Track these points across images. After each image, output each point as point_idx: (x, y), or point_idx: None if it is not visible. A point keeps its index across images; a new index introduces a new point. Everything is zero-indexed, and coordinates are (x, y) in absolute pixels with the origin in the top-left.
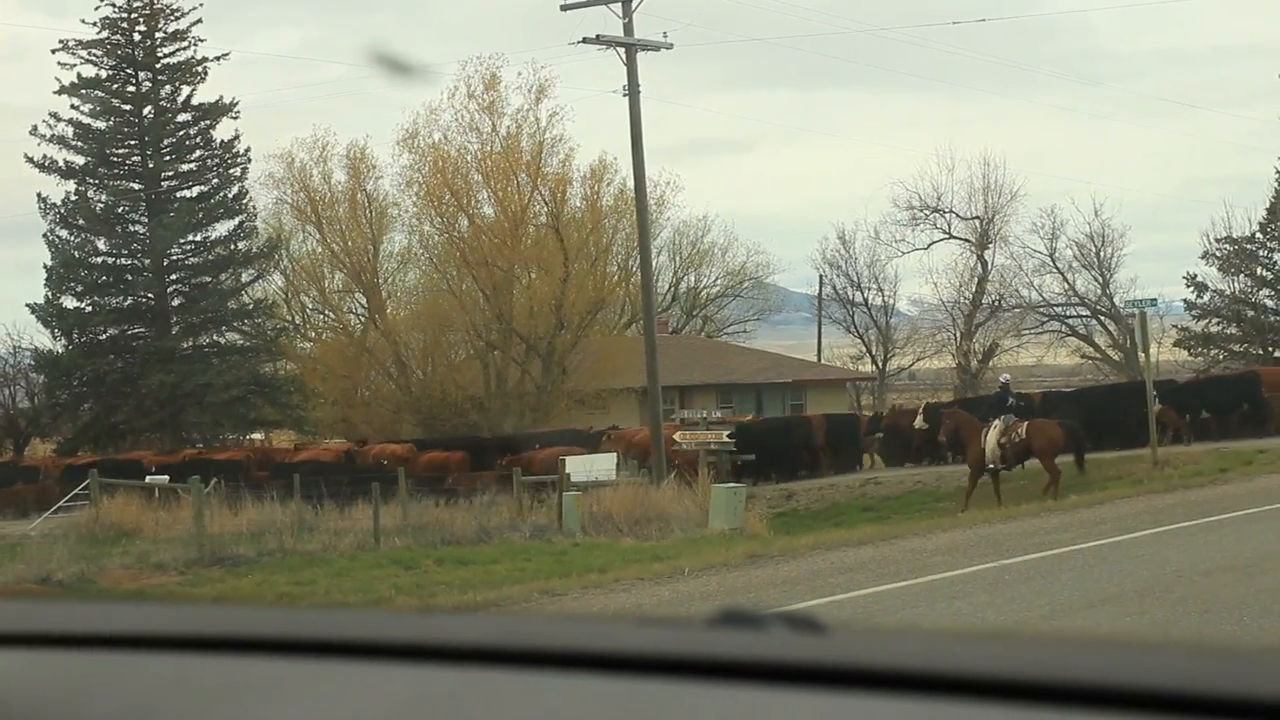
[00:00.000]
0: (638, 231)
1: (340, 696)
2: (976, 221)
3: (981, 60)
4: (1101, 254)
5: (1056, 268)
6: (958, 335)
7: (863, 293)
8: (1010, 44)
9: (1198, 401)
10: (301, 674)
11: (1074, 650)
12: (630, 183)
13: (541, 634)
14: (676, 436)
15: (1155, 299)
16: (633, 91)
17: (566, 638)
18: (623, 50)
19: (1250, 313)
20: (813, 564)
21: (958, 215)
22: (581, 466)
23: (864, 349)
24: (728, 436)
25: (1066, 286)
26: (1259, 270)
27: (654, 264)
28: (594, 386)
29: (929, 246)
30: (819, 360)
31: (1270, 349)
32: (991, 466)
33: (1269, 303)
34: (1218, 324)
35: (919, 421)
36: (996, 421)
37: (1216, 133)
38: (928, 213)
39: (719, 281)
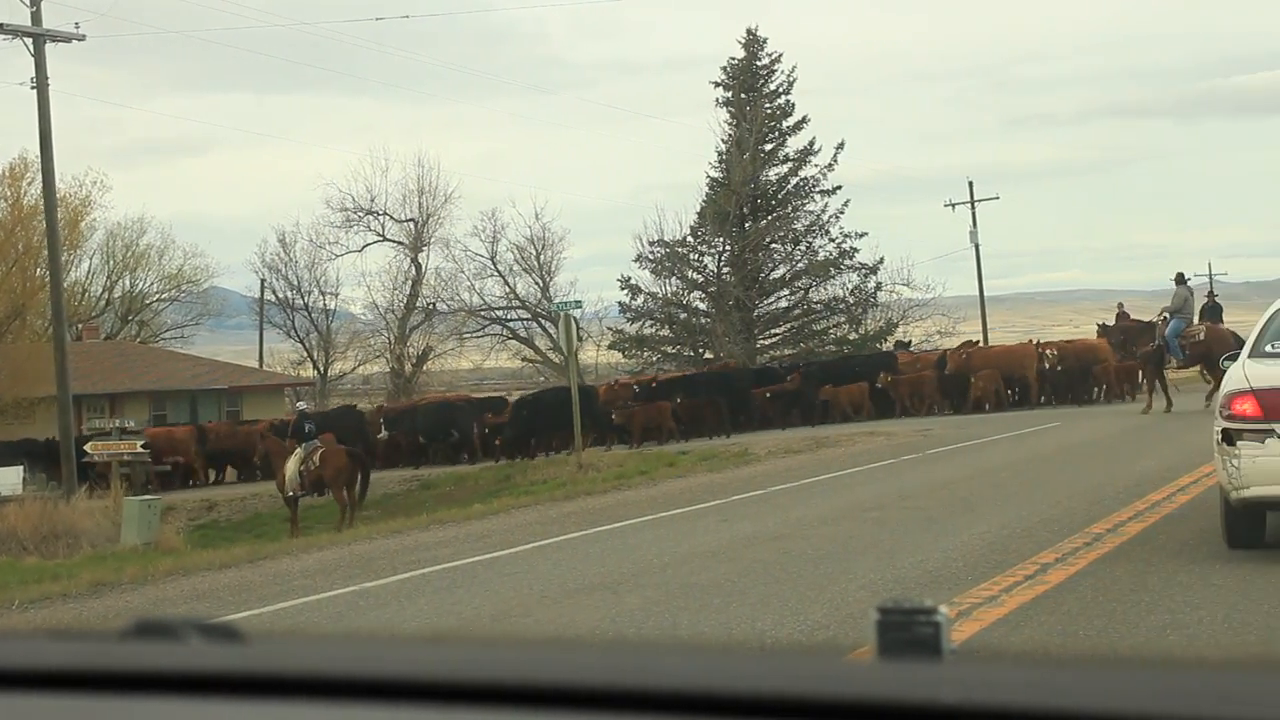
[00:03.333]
0: (47, 231)
1: None
2: (411, 224)
3: (440, 66)
4: (542, 257)
5: (498, 271)
6: (391, 339)
7: (304, 297)
8: (470, 50)
9: (415, 425)
10: None
11: (501, 651)
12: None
13: None
14: (88, 448)
15: (579, 301)
16: (41, 84)
17: None
18: (30, 40)
19: (683, 315)
20: (163, 591)
21: (392, 218)
22: None
23: (305, 353)
24: (141, 446)
25: (507, 290)
26: (690, 273)
27: (87, 267)
28: (15, 394)
29: (363, 249)
30: (260, 365)
31: (701, 350)
32: (291, 494)
33: (700, 305)
34: (651, 326)
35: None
36: (299, 449)
37: (665, 141)
38: (361, 214)
39: (155, 285)
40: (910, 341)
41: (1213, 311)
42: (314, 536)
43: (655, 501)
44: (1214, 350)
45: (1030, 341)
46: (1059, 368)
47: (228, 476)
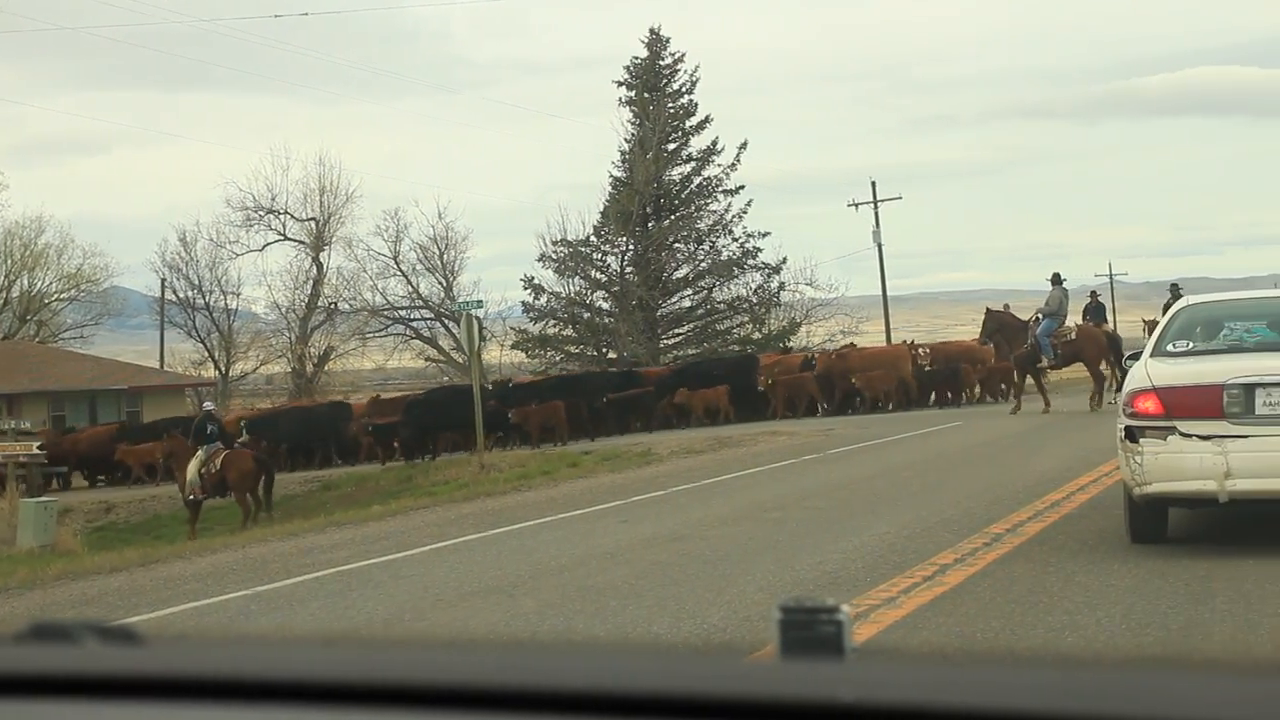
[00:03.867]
0: None
1: None
2: (312, 223)
3: (346, 65)
4: (445, 257)
5: (400, 270)
6: (292, 338)
7: (204, 296)
8: (375, 50)
9: (278, 431)
10: None
11: (398, 652)
12: None
13: None
14: None
15: (481, 301)
16: None
17: None
18: None
19: (586, 314)
20: (51, 596)
21: (293, 216)
22: None
23: (207, 353)
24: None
25: (410, 289)
26: (593, 273)
27: None
28: None
29: (264, 248)
30: (161, 366)
31: (604, 350)
32: (192, 497)
33: (603, 304)
34: (554, 326)
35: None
36: (200, 451)
37: (570, 140)
38: (262, 213)
39: (54, 285)
40: (791, 346)
41: (1096, 311)
42: (209, 539)
43: (555, 502)
44: (1085, 350)
45: (904, 342)
46: (928, 368)
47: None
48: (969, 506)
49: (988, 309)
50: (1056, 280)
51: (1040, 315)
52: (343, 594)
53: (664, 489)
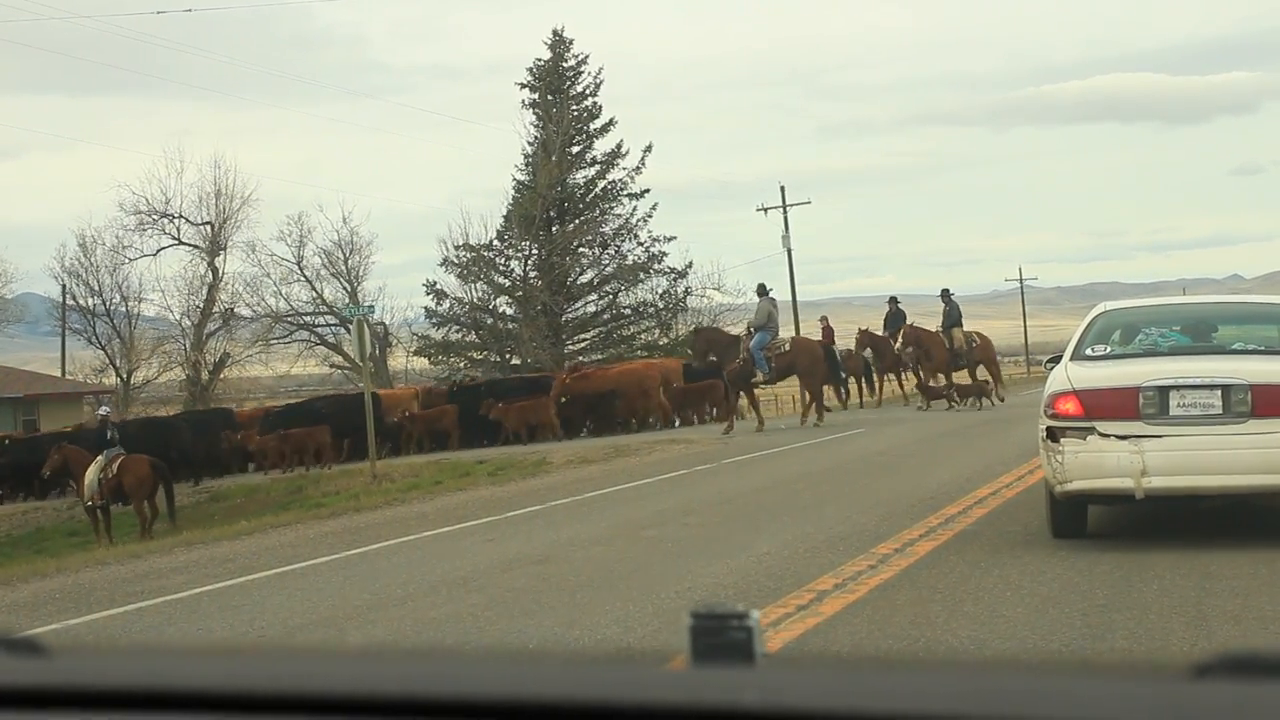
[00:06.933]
0: None
1: None
2: (207, 227)
3: (260, 71)
4: (349, 262)
5: (304, 276)
6: (187, 345)
7: (105, 302)
8: (288, 54)
9: (171, 439)
10: None
11: (306, 662)
12: None
13: None
14: None
15: (372, 306)
16: None
17: None
18: None
19: (489, 320)
20: None
21: (188, 220)
22: None
23: (107, 360)
24: None
25: (315, 295)
26: (496, 277)
27: None
28: None
29: (158, 253)
30: (63, 373)
31: (508, 356)
32: (90, 504)
33: (507, 310)
34: (458, 332)
35: None
36: (100, 457)
37: (483, 145)
38: (156, 217)
39: None
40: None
41: (894, 320)
42: (38, 563)
43: (426, 518)
44: (799, 362)
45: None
46: (564, 399)
47: None
48: (859, 522)
49: (696, 328)
50: (763, 291)
51: (751, 329)
52: (160, 629)
53: (543, 503)
